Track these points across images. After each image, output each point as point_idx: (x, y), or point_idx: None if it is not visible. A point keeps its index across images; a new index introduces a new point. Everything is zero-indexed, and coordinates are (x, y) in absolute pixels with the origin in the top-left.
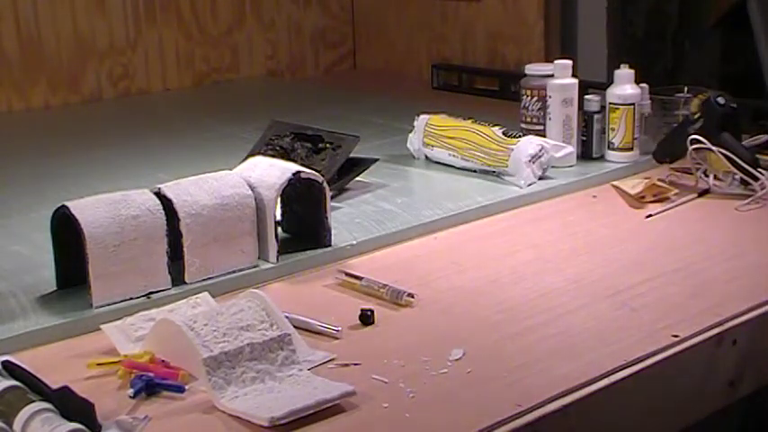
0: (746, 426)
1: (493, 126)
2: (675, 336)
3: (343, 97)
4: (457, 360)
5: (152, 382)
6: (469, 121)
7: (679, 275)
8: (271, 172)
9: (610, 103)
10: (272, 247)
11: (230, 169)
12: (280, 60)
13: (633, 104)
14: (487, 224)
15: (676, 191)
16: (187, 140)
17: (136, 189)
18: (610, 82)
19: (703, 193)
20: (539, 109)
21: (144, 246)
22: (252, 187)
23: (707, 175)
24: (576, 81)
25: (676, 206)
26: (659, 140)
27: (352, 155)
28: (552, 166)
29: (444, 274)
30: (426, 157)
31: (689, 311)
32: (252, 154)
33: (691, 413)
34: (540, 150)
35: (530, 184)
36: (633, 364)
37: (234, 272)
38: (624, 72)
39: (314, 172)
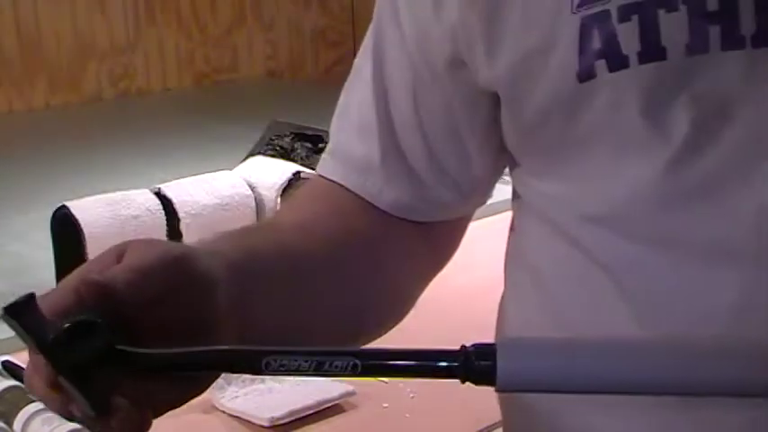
0: None
1: None
2: None
3: None
4: None
5: None
6: None
7: None
8: (271, 172)
9: None
10: None
11: (230, 169)
12: (280, 60)
13: None
14: (487, 224)
15: None
16: (187, 140)
17: (136, 189)
18: None
19: None
20: None
21: None
22: (252, 187)
23: None
24: None
25: None
26: None
27: None
28: None
29: (444, 273)
30: None
31: None
32: (252, 154)
33: None
34: None
35: None
36: None
37: None
38: None
39: (314, 172)
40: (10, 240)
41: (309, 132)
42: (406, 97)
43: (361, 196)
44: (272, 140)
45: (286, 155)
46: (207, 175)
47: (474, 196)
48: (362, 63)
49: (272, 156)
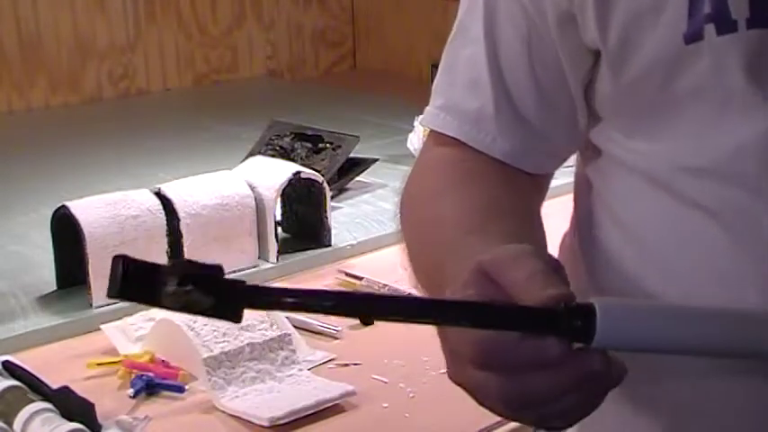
0: None
1: None
2: None
3: (343, 97)
4: None
5: (152, 382)
6: None
7: None
8: (271, 172)
9: None
10: (272, 247)
11: (230, 169)
12: (280, 60)
13: None
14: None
15: None
16: (187, 140)
17: (136, 189)
18: None
19: None
20: None
21: (144, 246)
22: (252, 187)
23: None
24: None
25: None
26: None
27: (352, 155)
28: None
29: None
30: None
31: None
32: (252, 154)
33: None
34: None
35: None
36: None
37: (234, 272)
38: None
39: (314, 172)
40: (10, 240)
41: (309, 132)
42: (519, 48)
43: (475, 148)
44: (272, 140)
45: (286, 155)
46: (207, 175)
47: (575, 145)
48: (470, 19)
49: (272, 156)
